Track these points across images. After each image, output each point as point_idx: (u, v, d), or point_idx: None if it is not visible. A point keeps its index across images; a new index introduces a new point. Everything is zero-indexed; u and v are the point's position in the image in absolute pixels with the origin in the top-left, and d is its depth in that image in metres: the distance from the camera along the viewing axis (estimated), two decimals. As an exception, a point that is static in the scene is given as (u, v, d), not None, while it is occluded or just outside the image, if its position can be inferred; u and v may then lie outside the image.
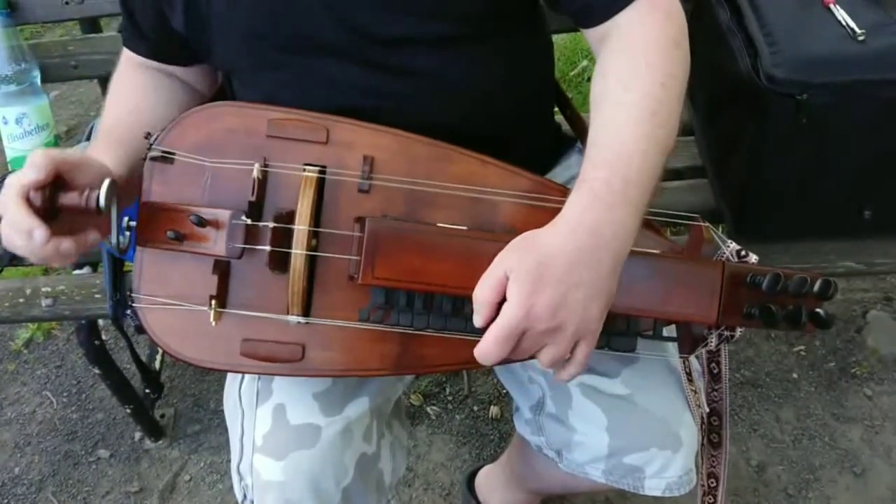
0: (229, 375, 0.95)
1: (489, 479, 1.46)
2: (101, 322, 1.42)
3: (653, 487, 0.91)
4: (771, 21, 1.04)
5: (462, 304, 0.73)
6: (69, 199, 0.70)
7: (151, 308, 0.75)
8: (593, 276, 0.67)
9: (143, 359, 1.64)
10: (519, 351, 0.69)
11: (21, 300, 1.27)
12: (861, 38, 1.00)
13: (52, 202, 0.69)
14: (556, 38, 0.96)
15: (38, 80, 1.34)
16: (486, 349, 0.68)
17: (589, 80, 2.30)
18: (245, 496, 0.88)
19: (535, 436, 1.00)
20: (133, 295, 0.76)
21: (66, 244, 0.70)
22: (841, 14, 1.03)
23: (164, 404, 1.72)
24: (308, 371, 0.76)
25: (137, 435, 1.67)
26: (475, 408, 1.67)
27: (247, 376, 0.91)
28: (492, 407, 1.66)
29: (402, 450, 1.01)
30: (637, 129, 0.71)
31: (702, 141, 1.31)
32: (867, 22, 1.01)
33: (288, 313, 0.74)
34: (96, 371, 1.44)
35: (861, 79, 0.99)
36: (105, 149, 0.81)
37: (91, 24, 1.49)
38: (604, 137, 0.73)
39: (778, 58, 1.00)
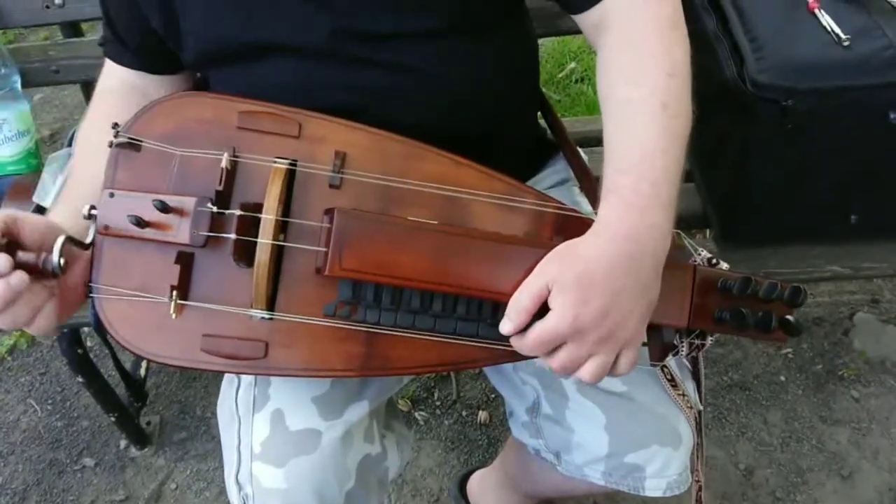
0: (224, 383, 0.92)
1: (482, 484, 1.45)
2: (84, 329, 1.40)
3: (653, 488, 0.89)
4: (756, 27, 1.04)
5: (430, 302, 0.72)
6: (26, 256, 0.67)
7: (108, 298, 0.73)
8: (636, 281, 0.67)
9: (128, 367, 1.62)
10: (567, 363, 0.68)
11: (2, 309, 1.25)
12: (846, 43, 1.00)
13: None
14: (543, 40, 0.95)
15: (19, 86, 1.32)
16: (526, 344, 0.68)
17: (576, 82, 2.30)
18: None
19: (534, 439, 0.97)
20: (91, 285, 0.73)
21: (17, 277, 0.65)
22: (826, 20, 1.03)
23: (150, 411, 1.70)
24: (270, 370, 0.74)
25: (123, 443, 1.65)
26: (464, 413, 1.66)
27: (243, 383, 0.89)
28: (480, 412, 1.65)
29: (408, 443, 1.01)
30: (652, 127, 0.70)
31: (688, 146, 1.31)
32: (852, 27, 1.01)
33: (252, 308, 0.72)
34: (80, 380, 1.42)
35: (846, 84, 0.99)
36: (66, 203, 0.78)
37: (72, 29, 1.47)
38: (621, 140, 0.71)
39: (763, 64, 1.00)
